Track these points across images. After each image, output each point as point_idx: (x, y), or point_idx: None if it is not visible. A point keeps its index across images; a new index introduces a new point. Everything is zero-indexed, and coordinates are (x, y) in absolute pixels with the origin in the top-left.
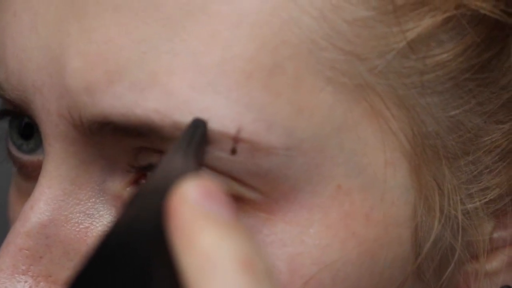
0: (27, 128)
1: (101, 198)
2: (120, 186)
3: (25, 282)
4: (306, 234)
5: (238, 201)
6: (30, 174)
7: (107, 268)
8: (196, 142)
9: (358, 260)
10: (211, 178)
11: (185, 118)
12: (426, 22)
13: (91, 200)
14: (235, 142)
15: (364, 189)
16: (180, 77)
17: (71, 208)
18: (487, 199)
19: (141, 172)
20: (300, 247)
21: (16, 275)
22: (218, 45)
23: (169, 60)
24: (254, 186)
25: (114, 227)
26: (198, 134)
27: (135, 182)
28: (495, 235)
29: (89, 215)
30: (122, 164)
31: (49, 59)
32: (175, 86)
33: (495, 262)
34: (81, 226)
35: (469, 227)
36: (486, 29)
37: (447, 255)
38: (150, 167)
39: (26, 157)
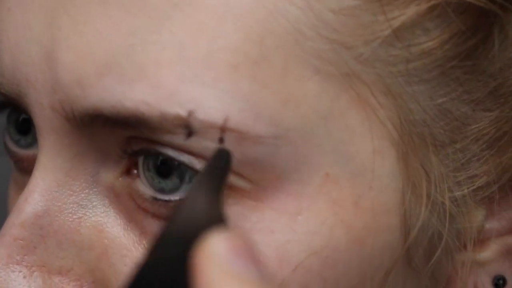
0: (24, 123)
1: (94, 189)
2: (113, 177)
3: (20, 272)
4: (294, 222)
5: (227, 189)
6: (27, 168)
7: None
8: (220, 175)
9: (347, 247)
10: (238, 232)
11: (173, 109)
12: (411, 10)
13: (84, 191)
14: (222, 131)
15: (352, 177)
16: (168, 69)
17: (65, 199)
18: (475, 187)
19: (132, 159)
20: (289, 235)
21: (11, 265)
22: (205, 37)
23: (157, 52)
24: (242, 175)
25: (137, 272)
26: (222, 165)
27: (127, 171)
28: (488, 225)
29: (82, 206)
30: (114, 153)
31: (41, 54)
32: (162, 78)
33: (488, 252)
34: (74, 217)
35: (457, 215)
36: (472, 17)
37: (435, 243)
38: (141, 153)
39: (23, 152)
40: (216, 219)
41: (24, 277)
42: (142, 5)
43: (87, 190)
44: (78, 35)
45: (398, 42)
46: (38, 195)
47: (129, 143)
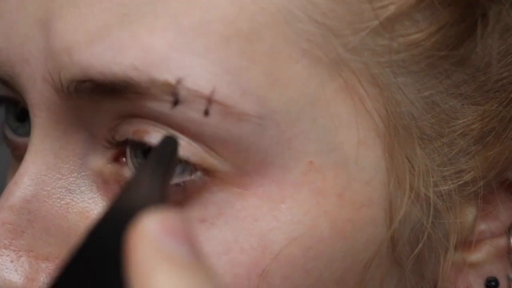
0: (23, 111)
1: (82, 173)
2: (101, 162)
3: (7, 256)
4: (277, 210)
5: (211, 175)
6: (23, 156)
7: None
8: (166, 161)
9: (330, 239)
10: (176, 211)
11: (162, 75)
12: (401, 1)
13: (73, 175)
14: (209, 103)
15: (336, 168)
16: (160, 35)
17: (53, 183)
18: (461, 182)
19: (119, 148)
20: (272, 223)
21: None
22: (198, 8)
23: (150, 20)
24: (225, 156)
25: (75, 253)
26: (168, 152)
27: (116, 159)
28: (482, 226)
29: (70, 191)
30: (102, 139)
31: (36, 28)
32: (154, 43)
33: (480, 253)
34: (62, 202)
35: (443, 210)
36: (459, 9)
37: (418, 236)
38: (127, 143)
39: (20, 139)
40: (156, 203)
41: (11, 261)
42: None
43: (75, 174)
44: (71, 5)
45: (387, 32)
46: (27, 179)
47: (115, 129)
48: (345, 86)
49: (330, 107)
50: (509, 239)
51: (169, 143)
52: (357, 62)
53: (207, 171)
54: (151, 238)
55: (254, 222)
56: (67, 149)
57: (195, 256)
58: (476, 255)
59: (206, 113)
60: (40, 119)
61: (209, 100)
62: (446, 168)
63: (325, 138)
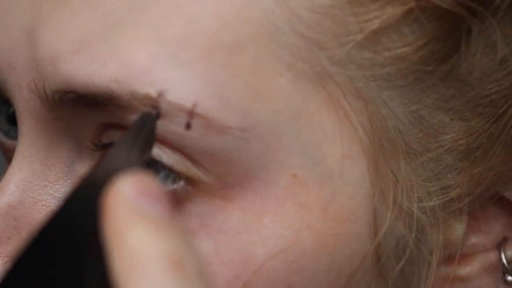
0: (14, 115)
1: (68, 181)
2: (88, 169)
3: None
4: (260, 223)
5: (194, 185)
6: None
7: (41, 260)
8: (143, 136)
9: (313, 253)
10: (151, 175)
11: (143, 88)
12: (386, 14)
13: (59, 182)
14: (190, 116)
15: (320, 181)
16: (142, 48)
17: (40, 190)
18: (447, 198)
19: (105, 151)
20: (254, 236)
21: None
22: (181, 20)
23: (132, 33)
24: (208, 168)
25: (51, 218)
26: (146, 128)
27: None
28: (473, 240)
29: (56, 198)
30: (88, 144)
31: (22, 35)
32: (136, 56)
33: (471, 267)
34: (48, 209)
35: (427, 225)
36: (446, 24)
37: (402, 251)
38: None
39: (11, 142)
40: (131, 169)
41: None
42: None
43: (62, 181)
44: (57, 15)
45: (373, 46)
46: (13, 185)
47: (101, 134)
48: (330, 100)
49: (314, 121)
50: (500, 253)
51: (147, 119)
52: (342, 75)
53: (191, 181)
54: (125, 198)
55: (236, 235)
56: (54, 157)
57: (168, 214)
58: (466, 269)
59: (188, 126)
60: (26, 127)
61: (191, 113)
62: (431, 184)
63: (309, 151)
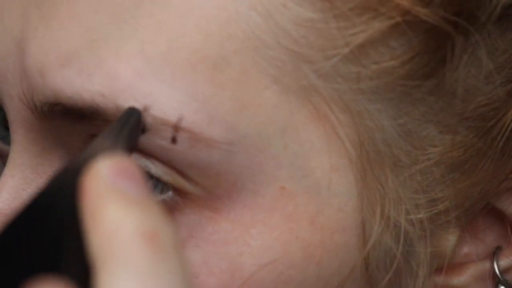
0: None
1: None
2: None
3: None
4: (248, 234)
5: (182, 197)
6: None
7: (22, 238)
8: (128, 130)
9: (302, 264)
10: (130, 157)
11: (128, 103)
12: (373, 28)
13: None
14: (176, 130)
15: (308, 193)
16: (127, 62)
17: None
18: (435, 211)
19: None
20: (242, 247)
21: None
22: (165, 35)
23: (117, 47)
24: (196, 180)
25: (33, 199)
26: (131, 122)
27: None
28: (466, 249)
29: None
30: (78, 152)
31: (13, 45)
32: (121, 70)
33: (465, 276)
34: None
35: (415, 237)
36: (433, 38)
37: (391, 262)
38: None
39: (6, 147)
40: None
41: None
42: (106, 3)
43: None
44: (45, 27)
45: (360, 59)
46: (5, 192)
47: (90, 142)
48: (316, 113)
49: (300, 133)
50: (493, 262)
51: (132, 114)
52: (329, 89)
53: (179, 192)
54: (103, 177)
55: (225, 246)
56: (45, 164)
57: (144, 193)
58: (459, 279)
59: (174, 140)
60: (18, 136)
61: (176, 128)
62: (419, 196)
63: (296, 164)
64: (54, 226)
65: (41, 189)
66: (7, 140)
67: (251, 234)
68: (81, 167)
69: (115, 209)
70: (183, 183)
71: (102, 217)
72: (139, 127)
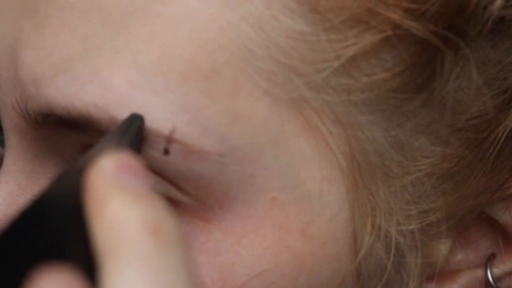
0: None
1: None
2: None
3: None
4: (239, 244)
5: (176, 206)
6: None
7: (27, 235)
8: (130, 135)
9: (293, 274)
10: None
11: (122, 113)
12: (363, 41)
13: None
14: (168, 142)
15: (299, 204)
16: (120, 73)
17: None
18: (427, 222)
19: None
20: (234, 257)
21: None
22: (157, 45)
23: (111, 57)
24: (188, 191)
25: (38, 197)
26: (133, 128)
27: None
28: (459, 257)
29: None
30: (72, 161)
31: (6, 53)
32: (114, 81)
33: (458, 284)
34: None
35: (406, 248)
36: (424, 51)
37: (381, 272)
38: None
39: (2, 150)
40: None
41: None
42: (99, 12)
43: None
44: (37, 37)
45: (351, 71)
46: (0, 199)
47: (84, 151)
48: (307, 124)
49: (291, 145)
50: (486, 270)
51: (135, 120)
52: (320, 101)
53: (172, 202)
54: (106, 172)
55: (217, 255)
56: (39, 172)
57: (147, 187)
58: (452, 286)
59: (166, 152)
60: (12, 143)
61: (169, 139)
62: (411, 207)
63: (288, 174)
64: (59, 221)
65: (45, 188)
66: (3, 143)
67: (243, 244)
68: (84, 167)
69: (119, 202)
70: (176, 193)
71: (106, 210)
72: (141, 134)
